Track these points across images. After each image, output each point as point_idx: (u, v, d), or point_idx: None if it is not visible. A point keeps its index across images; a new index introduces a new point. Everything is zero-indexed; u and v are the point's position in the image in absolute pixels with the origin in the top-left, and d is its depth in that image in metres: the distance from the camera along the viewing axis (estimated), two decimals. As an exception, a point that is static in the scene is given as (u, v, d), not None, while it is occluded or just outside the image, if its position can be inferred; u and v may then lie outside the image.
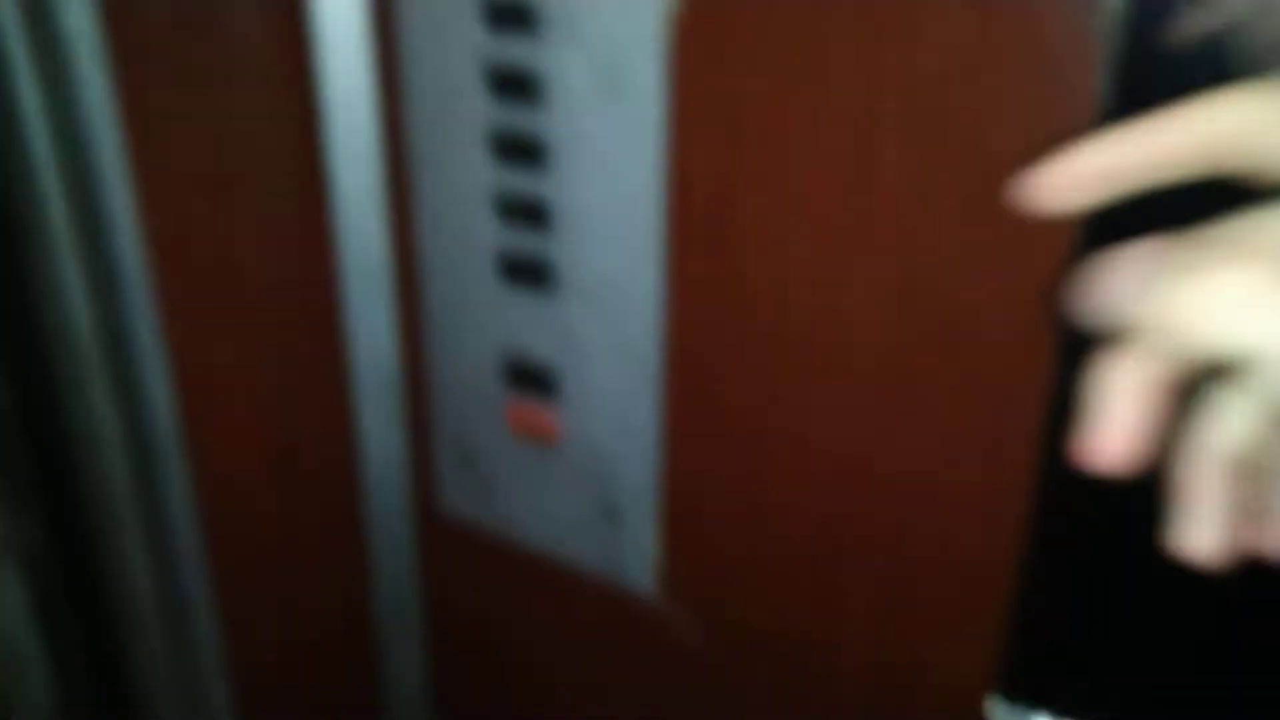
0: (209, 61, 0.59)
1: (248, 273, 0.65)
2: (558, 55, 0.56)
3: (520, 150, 0.60)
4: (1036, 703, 0.56)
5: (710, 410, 0.62)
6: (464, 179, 0.62)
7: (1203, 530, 0.27)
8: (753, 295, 0.58)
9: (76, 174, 0.56)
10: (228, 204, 0.63)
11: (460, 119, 0.61)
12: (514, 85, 0.58)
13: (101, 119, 0.54)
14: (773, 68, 0.52)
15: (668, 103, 0.55)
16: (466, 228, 0.64)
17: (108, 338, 0.60)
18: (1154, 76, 0.42)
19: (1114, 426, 0.27)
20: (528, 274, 0.63)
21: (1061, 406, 0.51)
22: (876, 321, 0.55)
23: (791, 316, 0.57)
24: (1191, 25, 0.41)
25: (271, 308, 0.67)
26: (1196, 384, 0.27)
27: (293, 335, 0.69)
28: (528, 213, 0.61)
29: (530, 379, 0.67)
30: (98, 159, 0.55)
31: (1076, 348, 0.29)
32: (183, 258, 0.61)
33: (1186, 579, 0.30)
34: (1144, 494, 0.29)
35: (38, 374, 0.63)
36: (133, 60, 0.55)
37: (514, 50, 0.57)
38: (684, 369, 0.61)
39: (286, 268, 0.67)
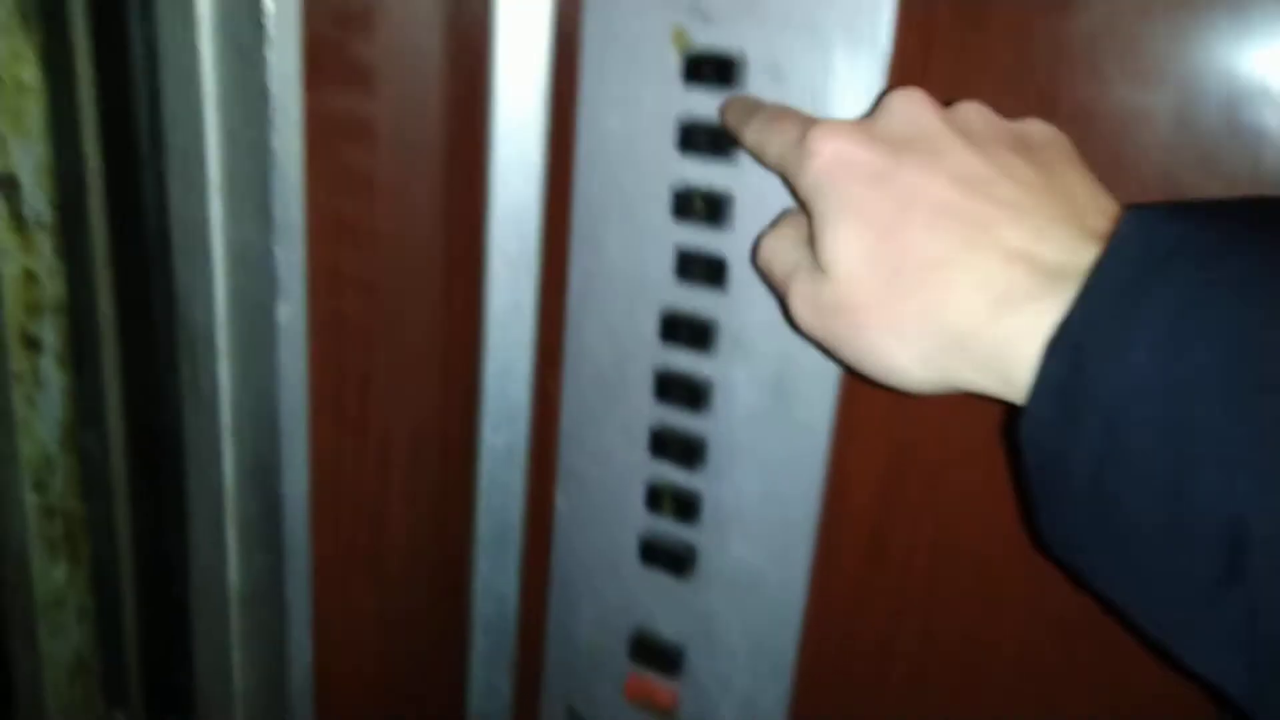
0: (389, 335, 0.62)
1: (392, 527, 0.67)
2: (727, 366, 0.59)
3: (678, 448, 0.61)
4: None
5: (841, 710, 0.62)
6: (616, 468, 0.64)
7: None
8: (901, 606, 0.59)
9: (256, 438, 0.58)
10: (384, 460, 0.65)
11: (619, 413, 0.63)
12: (680, 389, 0.60)
13: (292, 391, 0.56)
14: (939, 400, 0.54)
15: (835, 419, 0.57)
16: (611, 511, 0.65)
17: (256, 594, 0.61)
18: None
19: None
20: (669, 559, 0.64)
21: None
22: (1032, 645, 0.55)
23: (940, 632, 0.58)
24: None
25: (408, 559, 0.68)
26: None
27: (422, 584, 0.70)
28: (679, 505, 0.62)
29: (655, 654, 0.67)
30: (281, 420, 0.57)
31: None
32: (337, 514, 0.62)
33: None
34: None
35: (174, 620, 0.63)
36: (329, 341, 0.57)
37: (683, 360, 0.60)
38: (819, 668, 0.62)
39: (427, 521, 0.68)
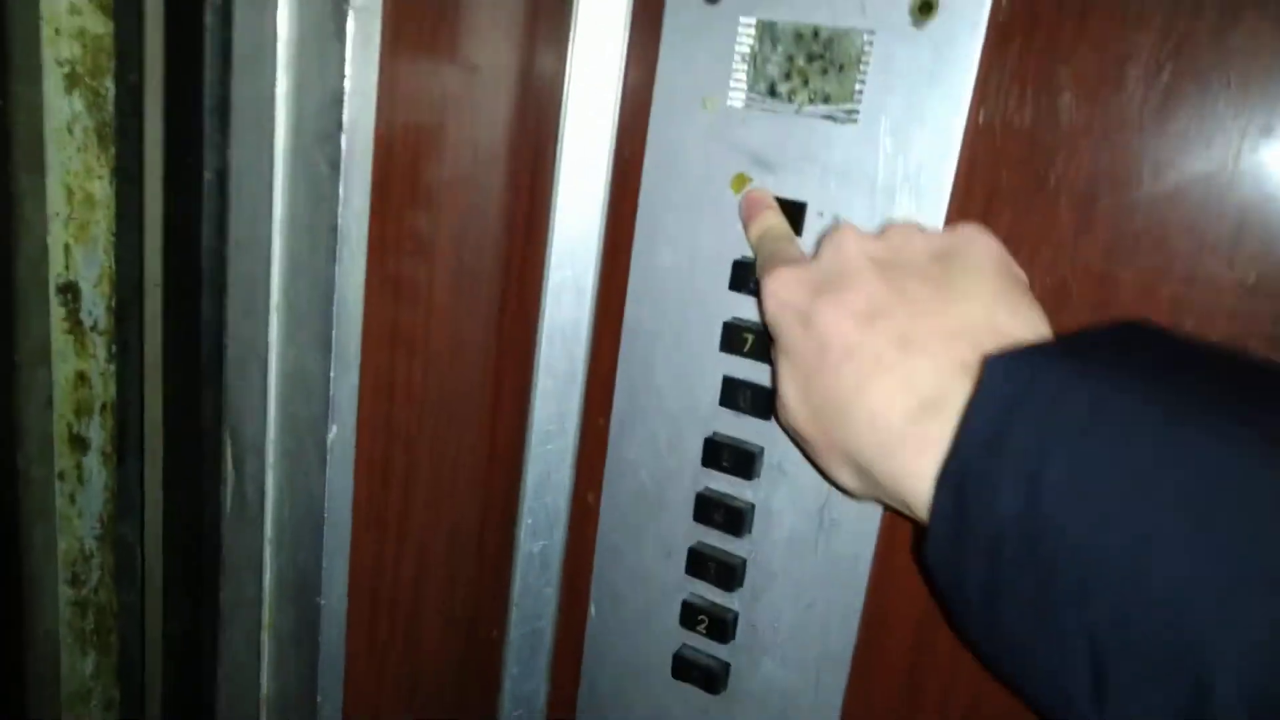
0: (435, 445, 0.62)
1: (426, 633, 0.66)
2: (769, 493, 0.59)
3: (716, 568, 0.62)
4: None
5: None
6: (652, 583, 0.64)
7: None
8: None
9: (297, 550, 0.58)
10: (422, 566, 0.65)
11: (658, 530, 0.63)
12: (720, 512, 0.61)
13: (339, 506, 0.57)
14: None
15: (875, 552, 0.57)
16: (645, 624, 0.65)
17: (287, 700, 0.61)
18: None
19: None
20: (702, 675, 0.64)
21: None
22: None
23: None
24: None
25: (439, 664, 0.68)
26: None
27: (452, 688, 0.70)
28: (713, 624, 0.63)
29: (683, 768, 0.67)
30: (325, 533, 0.57)
31: None
32: (373, 622, 0.62)
33: None
34: None
35: None
36: (376, 453, 0.58)
37: (725, 483, 0.60)
38: (850, 794, 0.62)
39: (460, 625, 0.68)
